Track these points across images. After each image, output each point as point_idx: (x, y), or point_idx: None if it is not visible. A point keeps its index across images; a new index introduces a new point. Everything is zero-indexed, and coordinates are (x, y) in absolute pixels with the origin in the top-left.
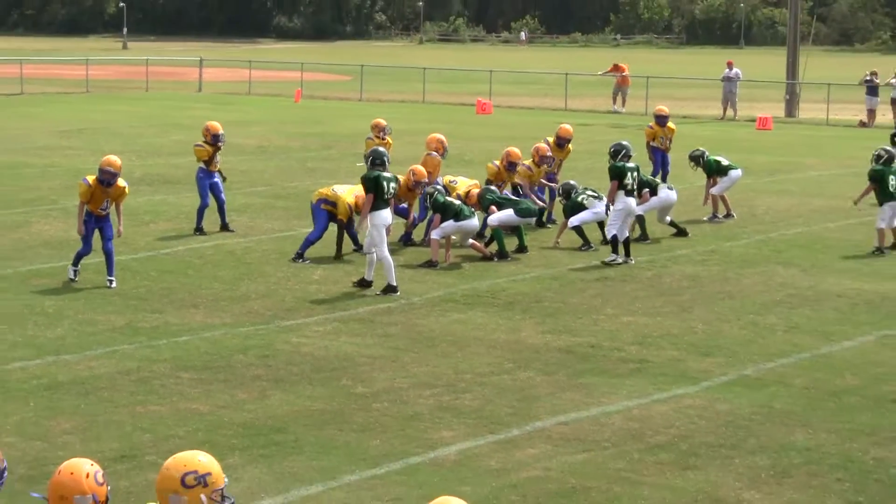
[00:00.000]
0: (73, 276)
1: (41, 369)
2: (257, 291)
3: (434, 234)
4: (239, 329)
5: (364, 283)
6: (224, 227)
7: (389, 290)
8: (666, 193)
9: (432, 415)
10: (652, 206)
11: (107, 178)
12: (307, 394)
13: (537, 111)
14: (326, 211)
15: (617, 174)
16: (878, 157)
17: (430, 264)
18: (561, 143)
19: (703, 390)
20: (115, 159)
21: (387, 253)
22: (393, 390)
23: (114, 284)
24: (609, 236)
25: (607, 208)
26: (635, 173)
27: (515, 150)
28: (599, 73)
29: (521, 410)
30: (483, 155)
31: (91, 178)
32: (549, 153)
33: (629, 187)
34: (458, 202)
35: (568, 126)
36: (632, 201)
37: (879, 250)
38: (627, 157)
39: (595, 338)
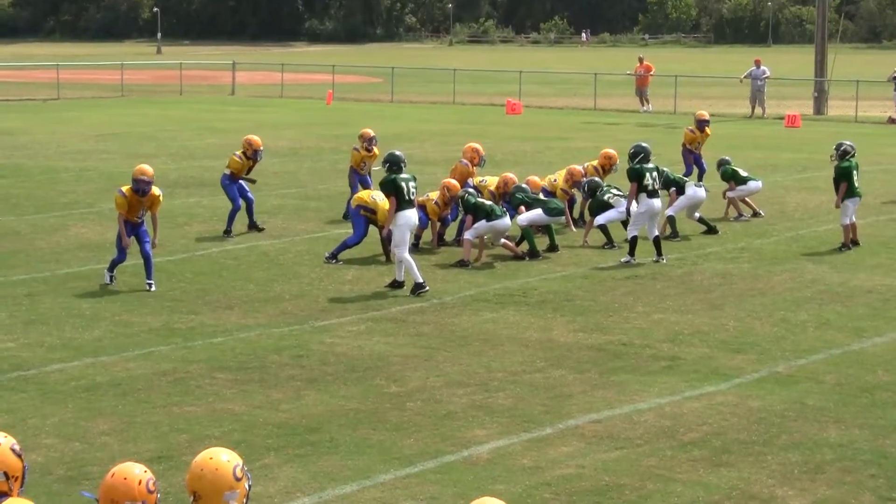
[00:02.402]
0: (108, 281)
1: (79, 371)
2: (291, 292)
3: (467, 235)
4: (273, 330)
5: (396, 285)
6: (252, 226)
7: (418, 288)
8: (693, 191)
9: (465, 413)
10: (681, 206)
11: (142, 187)
12: (341, 393)
13: (567, 111)
14: (365, 217)
15: (636, 176)
16: (844, 153)
17: (462, 264)
18: (606, 170)
19: (734, 387)
20: (147, 167)
21: (407, 254)
22: (426, 389)
23: (153, 288)
24: (629, 237)
25: (628, 211)
26: (655, 174)
27: (535, 179)
28: (628, 72)
29: (553, 408)
30: (514, 156)
31: (126, 189)
32: (585, 177)
33: (650, 188)
34: (489, 203)
35: (613, 151)
36: (655, 202)
37: (846, 246)
38: (646, 159)
39: (626, 335)
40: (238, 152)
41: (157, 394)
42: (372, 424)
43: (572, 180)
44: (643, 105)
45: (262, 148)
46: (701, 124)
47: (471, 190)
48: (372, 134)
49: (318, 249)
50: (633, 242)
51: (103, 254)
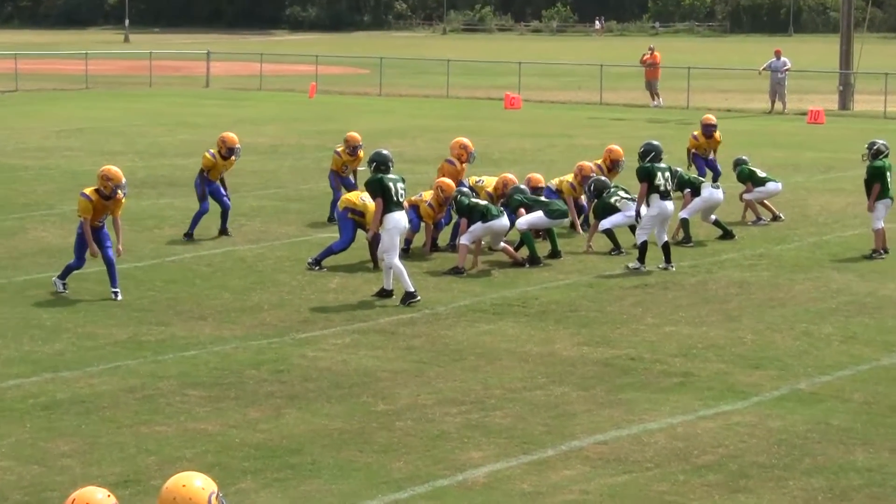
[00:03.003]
0: (60, 289)
1: (38, 387)
2: (270, 302)
3: (463, 239)
4: (251, 342)
5: (384, 293)
6: (223, 231)
7: (408, 297)
8: (709, 192)
9: (460, 434)
10: (696, 208)
11: (111, 191)
12: (325, 412)
13: (570, 105)
14: (353, 221)
15: (646, 176)
16: (877, 153)
17: (457, 271)
18: (613, 166)
19: (753, 406)
20: (116, 169)
21: (397, 260)
22: (417, 407)
23: (119, 297)
24: (638, 242)
25: (638, 213)
26: (667, 174)
27: (536, 175)
28: (646, 55)
29: (555, 429)
30: (512, 154)
31: (90, 191)
32: (594, 174)
33: (661, 189)
34: (483, 202)
35: (617, 147)
36: (667, 205)
37: (877, 252)
38: (657, 157)
39: (635, 349)
40: (212, 150)
41: (124, 412)
42: (358, 446)
43: (581, 175)
44: (653, 99)
45: (238, 146)
46: (707, 129)
47: (465, 190)
48: (359, 141)
49: (300, 255)
50: (642, 248)
51: (65, 259)
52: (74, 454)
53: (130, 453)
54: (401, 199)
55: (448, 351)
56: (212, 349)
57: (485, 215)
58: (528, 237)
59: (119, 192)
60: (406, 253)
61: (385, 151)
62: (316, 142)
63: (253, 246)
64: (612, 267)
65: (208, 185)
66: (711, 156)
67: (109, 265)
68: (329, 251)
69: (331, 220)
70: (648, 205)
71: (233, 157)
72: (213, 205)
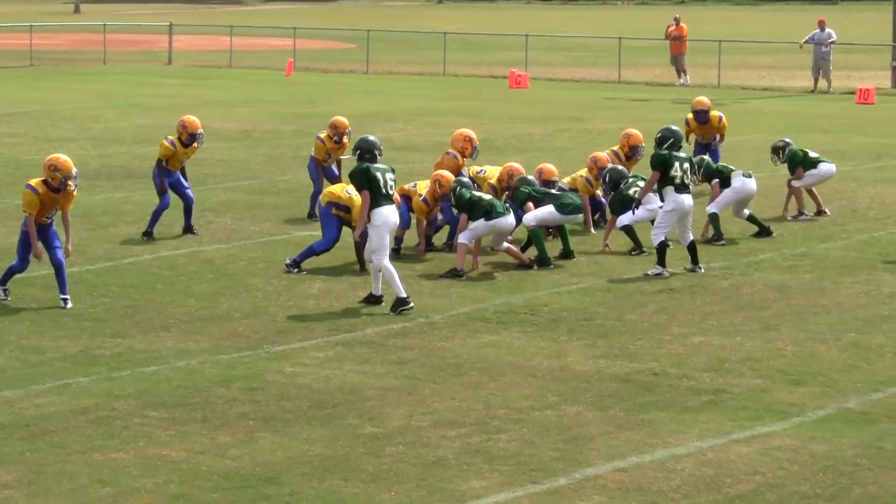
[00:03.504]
0: (2, 296)
1: None
2: (242, 309)
3: (462, 238)
4: (220, 356)
5: (373, 300)
6: (188, 229)
7: (400, 304)
8: (741, 182)
9: (459, 460)
10: (727, 201)
11: (60, 183)
12: (304, 435)
13: (584, 84)
14: (338, 217)
15: (660, 164)
16: None
17: (455, 274)
18: (632, 153)
19: (793, 427)
20: (66, 158)
21: (387, 261)
22: (410, 430)
23: (69, 304)
24: (655, 243)
25: (638, 203)
26: (686, 165)
27: (549, 166)
28: (671, 27)
29: (568, 454)
30: (518, 140)
31: (36, 183)
32: (610, 165)
33: (678, 181)
34: (487, 197)
35: (636, 131)
36: (685, 198)
37: None
38: (676, 145)
39: (659, 363)
40: (170, 137)
41: (75, 437)
42: (343, 474)
43: (597, 168)
44: (679, 77)
45: (201, 130)
46: (698, 116)
47: (465, 181)
48: (348, 127)
49: (277, 256)
50: (661, 249)
51: (7, 261)
52: (17, 485)
53: (82, 483)
54: (390, 192)
55: (445, 365)
56: (175, 364)
57: (488, 212)
58: (537, 235)
59: (69, 183)
60: (397, 254)
61: (372, 138)
62: (294, 127)
63: (222, 246)
64: (632, 269)
65: (168, 176)
66: (716, 143)
67: (58, 268)
68: (310, 251)
69: (311, 216)
70: (663, 199)
71: (195, 144)
72: (175, 199)
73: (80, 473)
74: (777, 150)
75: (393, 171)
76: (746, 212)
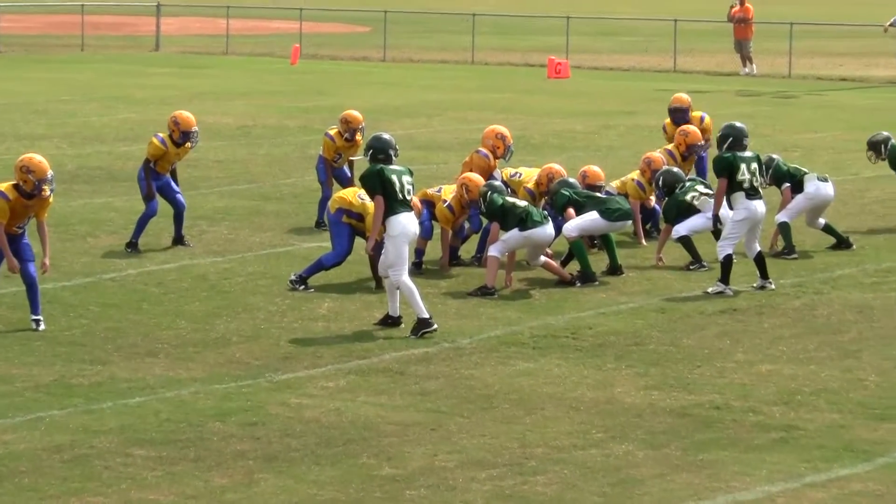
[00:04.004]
0: None
1: None
2: (241, 332)
3: (493, 251)
4: (214, 386)
5: (390, 321)
6: (178, 240)
7: (422, 326)
8: (815, 187)
9: None
10: (799, 209)
11: (33, 187)
12: (312, 477)
13: (634, 73)
14: (349, 226)
15: (725, 169)
16: None
17: (485, 292)
18: (689, 153)
19: (878, 470)
20: (40, 159)
21: (406, 277)
22: (434, 471)
23: (41, 326)
24: (721, 256)
25: (717, 219)
26: (754, 165)
27: (594, 168)
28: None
29: (616, 499)
30: (558, 137)
31: (6, 188)
32: (665, 165)
33: (746, 185)
34: (523, 203)
35: (695, 128)
36: (756, 205)
37: None
38: (740, 144)
39: (721, 395)
40: (161, 135)
41: (48, 478)
42: None
43: (651, 171)
44: (744, 65)
45: (195, 128)
46: (676, 116)
47: (497, 184)
48: (361, 122)
49: (280, 271)
50: (727, 264)
51: None
52: None
53: None
54: (408, 197)
55: (474, 397)
56: (163, 395)
57: (523, 221)
58: (579, 247)
59: (44, 188)
60: (418, 268)
61: (386, 136)
62: (300, 122)
63: (217, 259)
64: (690, 286)
65: (156, 179)
66: (699, 150)
67: (30, 285)
68: (318, 266)
69: (320, 224)
70: (732, 207)
71: (188, 144)
72: (164, 205)
73: None
74: (876, 146)
75: (411, 173)
76: (822, 221)
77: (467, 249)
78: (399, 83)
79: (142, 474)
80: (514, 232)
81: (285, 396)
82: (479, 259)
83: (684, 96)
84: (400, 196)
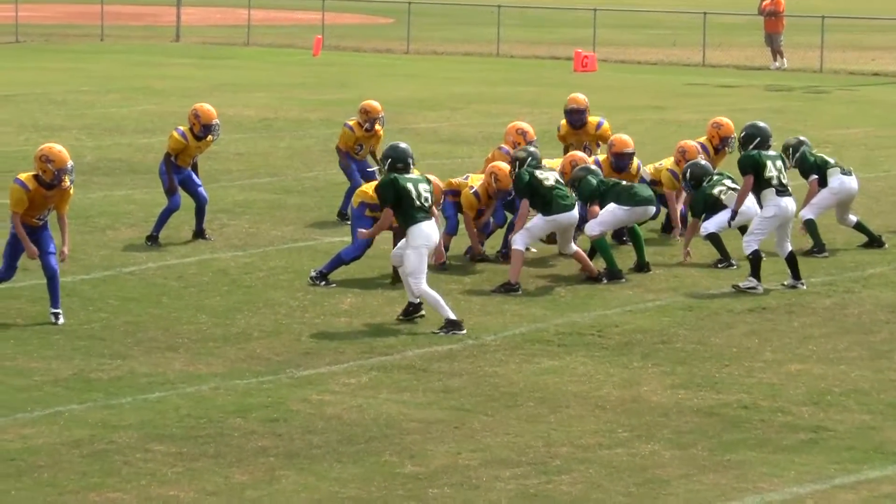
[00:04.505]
0: None
1: None
2: (262, 327)
3: (517, 243)
4: (235, 381)
5: (411, 309)
6: (199, 233)
7: (451, 326)
8: (839, 181)
9: None
10: (824, 205)
11: (53, 178)
12: (333, 475)
13: (662, 67)
14: (372, 220)
15: (751, 166)
16: None
17: (509, 288)
18: (722, 146)
19: None
20: (60, 148)
21: (426, 286)
22: (457, 470)
23: (61, 320)
24: (747, 252)
25: (735, 214)
26: (779, 162)
27: (623, 137)
28: (758, 10)
29: (642, 500)
30: None
31: (26, 178)
32: (701, 157)
33: (774, 181)
34: (552, 180)
35: (728, 120)
36: (786, 202)
37: None
38: (764, 143)
39: (749, 395)
40: (181, 128)
41: (67, 473)
42: None
43: (685, 160)
44: (775, 59)
45: (216, 121)
46: (572, 118)
47: (533, 150)
48: (380, 112)
49: (302, 266)
50: (755, 260)
51: None
52: None
53: None
54: (426, 205)
55: (498, 395)
56: (183, 390)
57: (549, 203)
58: (603, 246)
59: (64, 178)
60: (442, 267)
61: (403, 145)
62: (322, 115)
63: (238, 253)
64: (718, 283)
65: (177, 173)
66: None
67: (51, 278)
68: (338, 261)
69: (342, 215)
70: (762, 204)
71: (209, 137)
72: (185, 199)
73: None
74: (786, 150)
75: (428, 181)
76: (853, 218)
77: (491, 245)
78: (423, 75)
79: (161, 470)
80: (538, 219)
81: (307, 393)
82: (505, 254)
83: (581, 97)
84: (418, 203)
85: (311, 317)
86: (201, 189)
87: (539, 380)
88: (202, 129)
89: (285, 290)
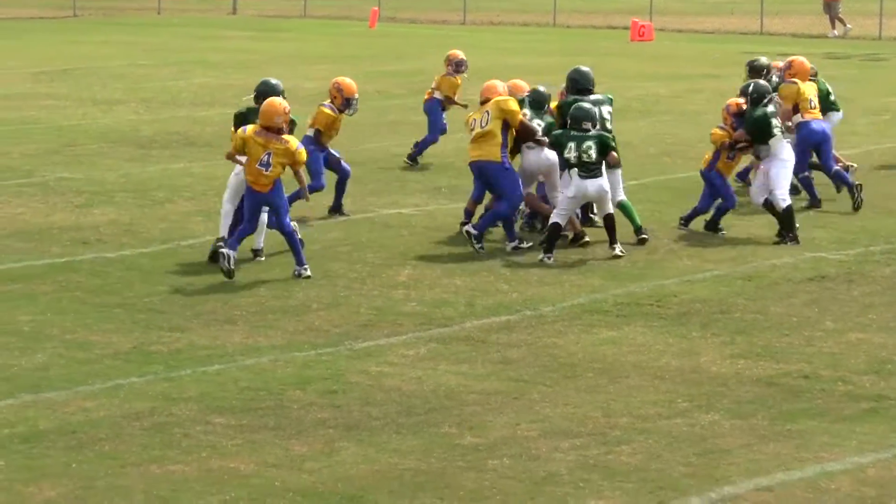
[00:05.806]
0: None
1: (15, 413)
2: (320, 300)
3: (556, 217)
4: (294, 354)
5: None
6: (337, 208)
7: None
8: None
9: (574, 476)
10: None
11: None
12: (393, 446)
13: (719, 36)
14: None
15: (761, 127)
16: None
17: (577, 239)
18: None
19: None
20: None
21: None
22: (516, 441)
23: (307, 272)
24: (782, 206)
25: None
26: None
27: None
28: None
29: (701, 469)
30: (642, 102)
31: (251, 129)
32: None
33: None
34: (576, 143)
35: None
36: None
37: None
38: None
39: (810, 364)
40: (327, 102)
41: (129, 445)
42: (437, 492)
43: (731, 115)
44: (833, 27)
45: (356, 96)
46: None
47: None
48: (461, 56)
49: (360, 238)
50: (786, 216)
51: (48, 244)
52: (63, 501)
53: (137, 500)
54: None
55: (557, 365)
56: (243, 363)
57: (569, 167)
58: (626, 206)
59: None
60: (478, 241)
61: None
62: (378, 86)
63: (298, 225)
64: (779, 253)
65: (322, 150)
66: None
67: (288, 235)
68: (494, 216)
69: (414, 158)
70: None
71: (348, 111)
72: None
73: (134, 489)
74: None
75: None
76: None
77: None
78: (479, 46)
79: (222, 442)
80: (564, 197)
81: (365, 364)
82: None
83: (459, 53)
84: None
85: (370, 288)
86: (344, 163)
87: (598, 350)
88: (343, 103)
89: (344, 262)
